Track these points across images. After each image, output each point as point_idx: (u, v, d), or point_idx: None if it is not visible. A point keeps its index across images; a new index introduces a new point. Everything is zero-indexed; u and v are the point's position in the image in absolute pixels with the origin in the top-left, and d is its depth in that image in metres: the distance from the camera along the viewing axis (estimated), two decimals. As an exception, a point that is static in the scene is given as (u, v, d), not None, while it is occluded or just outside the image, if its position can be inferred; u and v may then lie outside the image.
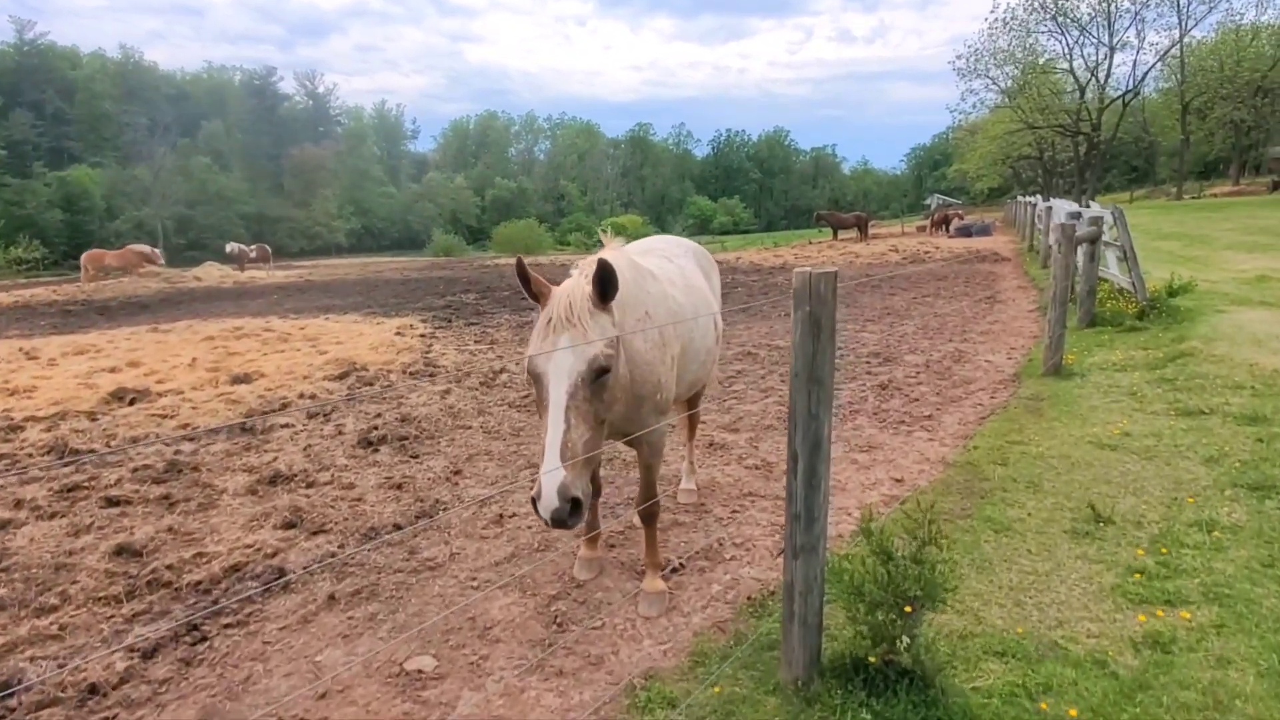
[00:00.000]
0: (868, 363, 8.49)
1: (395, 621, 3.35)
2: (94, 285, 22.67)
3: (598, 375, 2.46)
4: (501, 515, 4.47)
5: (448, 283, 21.82)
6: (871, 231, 38.74)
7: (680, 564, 3.84)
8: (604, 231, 3.32)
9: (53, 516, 4.42)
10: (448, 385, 7.87)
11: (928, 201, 66.71)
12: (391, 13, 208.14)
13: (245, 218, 65.68)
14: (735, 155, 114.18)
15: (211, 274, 27.53)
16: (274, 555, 3.93)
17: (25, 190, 54.16)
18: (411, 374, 8.47)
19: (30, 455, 5.59)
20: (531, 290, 2.65)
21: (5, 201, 52.06)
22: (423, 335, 11.33)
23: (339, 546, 4.06)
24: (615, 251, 3.05)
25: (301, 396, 7.30)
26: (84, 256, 24.20)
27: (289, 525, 4.30)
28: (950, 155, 75.27)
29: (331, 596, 3.53)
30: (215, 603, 3.48)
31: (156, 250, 26.53)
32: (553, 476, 2.28)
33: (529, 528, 4.33)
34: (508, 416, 6.66)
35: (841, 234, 37.47)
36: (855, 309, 12.75)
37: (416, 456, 5.55)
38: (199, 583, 3.64)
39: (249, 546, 3.99)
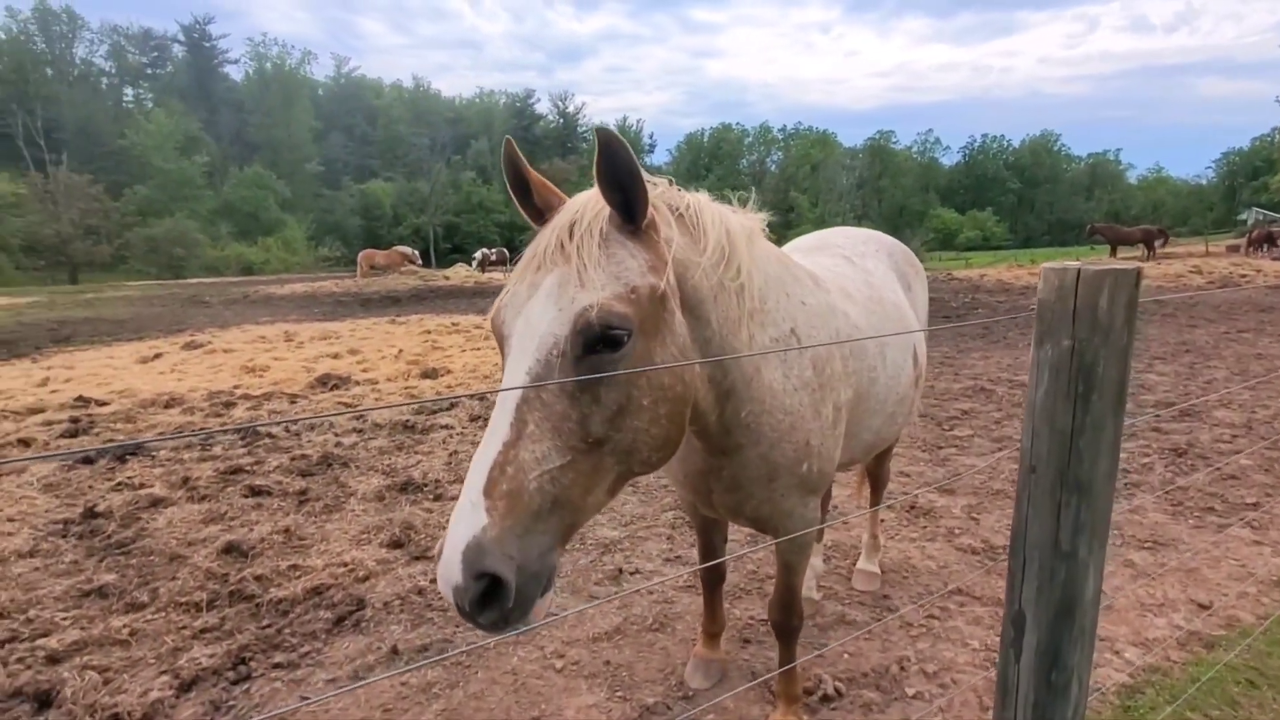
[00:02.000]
0: (1155, 415, 6.32)
1: (449, 701, 2.67)
2: (365, 280, 26.24)
3: (594, 348, 1.30)
4: (621, 570, 3.65)
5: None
6: (1163, 249, 31.90)
7: (837, 690, 2.70)
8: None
9: (201, 500, 4.49)
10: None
11: (1243, 216, 54.04)
12: (640, 34, 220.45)
13: (500, 225, 73.21)
14: (990, 163, 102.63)
15: (459, 274, 30.64)
16: (364, 580, 3.50)
17: (335, 200, 66.12)
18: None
19: (223, 434, 5.97)
20: (533, 201, 1.55)
21: (320, 209, 63.86)
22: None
23: (430, 581, 3.52)
24: (737, 214, 1.83)
25: (473, 397, 7.16)
26: (360, 255, 28.25)
27: (395, 544, 3.88)
28: (1277, 162, 60.23)
29: (395, 649, 2.96)
30: (279, 632, 3.08)
31: (415, 252, 30.13)
32: (464, 525, 1.19)
33: (649, 594, 3.45)
34: (669, 441, 5.83)
35: (1122, 251, 31.32)
36: (1136, 342, 10.02)
37: (555, 478, 4.95)
38: (279, 601, 3.30)
39: (344, 565, 3.61)
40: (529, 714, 2.59)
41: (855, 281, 2.54)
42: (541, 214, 1.53)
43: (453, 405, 6.81)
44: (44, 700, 2.63)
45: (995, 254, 50.84)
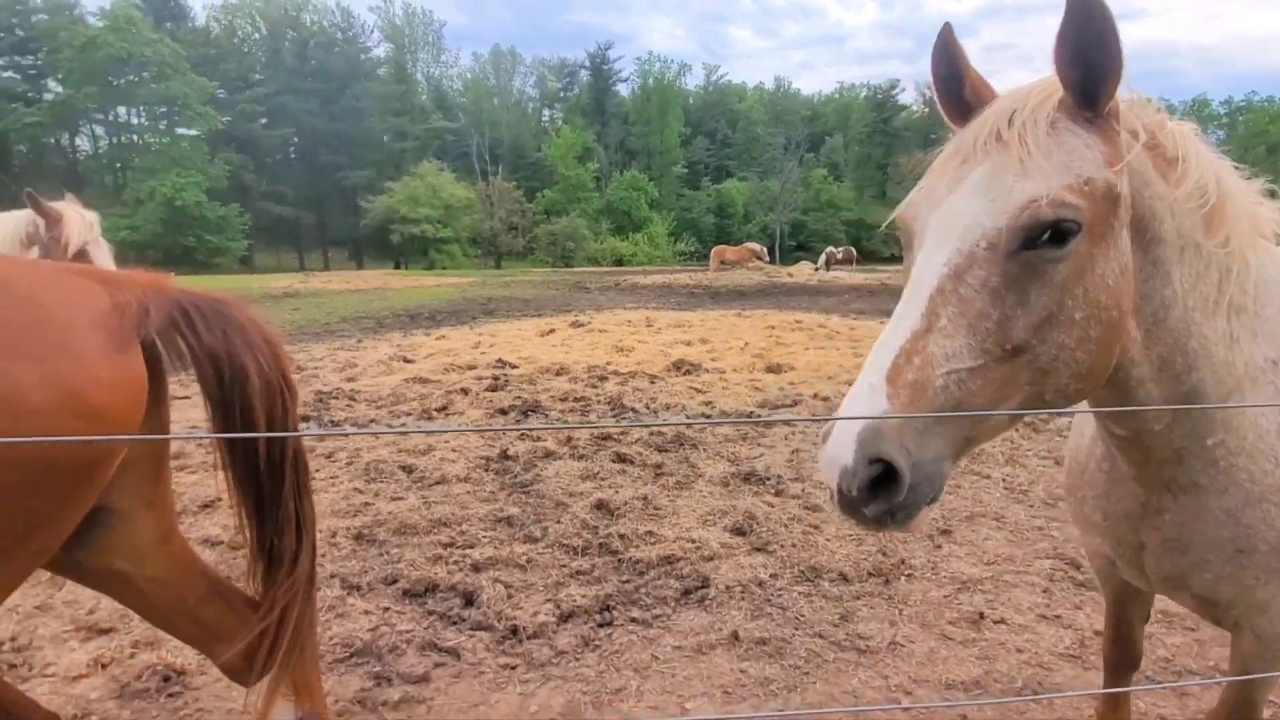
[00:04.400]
0: None
1: (785, 703, 2.63)
2: (715, 274, 27.97)
3: (1034, 243, 1.15)
4: (983, 615, 3.20)
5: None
6: None
7: None
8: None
9: (580, 458, 5.19)
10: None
11: None
12: (1029, 4, 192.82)
13: (847, 223, 71.72)
14: None
15: (803, 271, 30.83)
16: (709, 560, 3.67)
17: (694, 200, 71.87)
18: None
19: (599, 402, 6.85)
20: (964, 94, 1.35)
21: (680, 208, 69.91)
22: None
23: (770, 575, 3.53)
24: (1245, 184, 1.44)
25: (815, 396, 7.05)
26: (712, 251, 30.23)
27: (738, 531, 3.99)
28: None
29: (736, 635, 3.03)
30: (636, 590, 3.38)
31: (764, 249, 31.09)
32: (862, 407, 1.11)
33: (1018, 651, 2.96)
34: (1044, 473, 4.98)
35: None
36: None
37: (904, 494, 4.59)
38: (637, 562, 3.63)
39: (691, 542, 3.82)
40: (870, 745, 2.42)
41: None
42: (968, 112, 1.35)
43: (795, 402, 6.80)
44: (469, 599, 3.29)
45: None
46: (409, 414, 6.74)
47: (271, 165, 63.46)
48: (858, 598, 3.36)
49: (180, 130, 53.23)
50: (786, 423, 6.17)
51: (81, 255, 3.55)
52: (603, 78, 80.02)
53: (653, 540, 3.85)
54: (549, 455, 5.24)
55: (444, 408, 6.87)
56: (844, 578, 3.51)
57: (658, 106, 73.74)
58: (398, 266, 55.22)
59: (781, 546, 3.83)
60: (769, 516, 4.17)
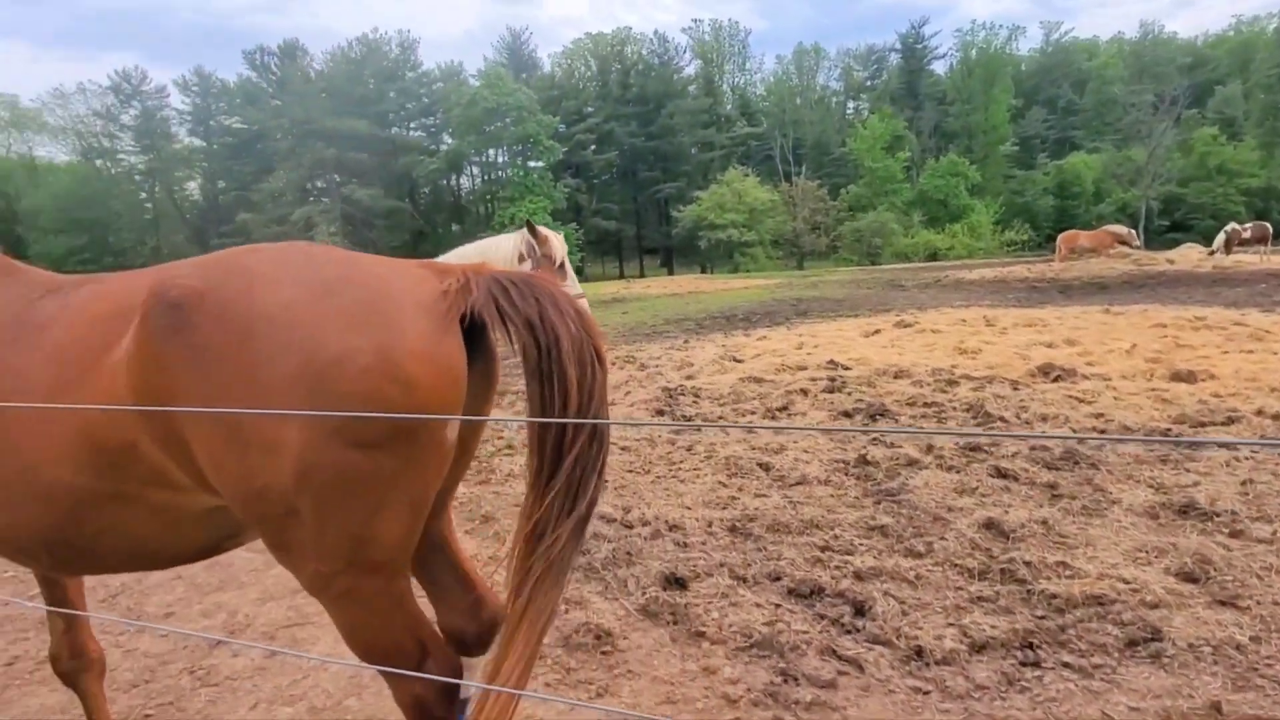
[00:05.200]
0: None
1: (1325, 817, 2.00)
2: (1063, 265, 24.01)
3: None
4: None
5: None
6: None
7: None
8: None
9: (949, 469, 4.74)
10: None
11: None
12: None
13: (1246, 193, 56.35)
14: None
15: (1188, 257, 24.93)
16: (1154, 608, 3.02)
17: (1026, 181, 62.62)
18: None
19: (953, 409, 6.23)
20: None
21: (1010, 191, 61.53)
22: None
23: (1249, 638, 2.77)
24: None
25: (1259, 414, 5.51)
26: (1060, 237, 25.88)
27: (1187, 577, 3.24)
28: None
29: (1217, 707, 2.41)
30: (1062, 630, 2.92)
31: (1132, 232, 25.80)
32: None
33: None
34: None
35: None
36: None
37: None
38: (1053, 596, 3.15)
39: (1125, 582, 3.19)
40: None
41: None
42: None
43: (1230, 419, 5.39)
44: (859, 609, 3.17)
45: None
46: (752, 412, 6.90)
47: (599, 186, 71.52)
48: None
49: (532, 163, 62.87)
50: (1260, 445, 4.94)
51: (561, 266, 4.43)
52: (915, 58, 74.41)
53: (1069, 574, 3.31)
54: (912, 463, 4.89)
55: (784, 407, 6.89)
56: (1380, 660, 2.61)
57: (981, 80, 66.02)
58: (704, 271, 58.08)
59: (1258, 603, 3.00)
60: (1230, 562, 3.31)
